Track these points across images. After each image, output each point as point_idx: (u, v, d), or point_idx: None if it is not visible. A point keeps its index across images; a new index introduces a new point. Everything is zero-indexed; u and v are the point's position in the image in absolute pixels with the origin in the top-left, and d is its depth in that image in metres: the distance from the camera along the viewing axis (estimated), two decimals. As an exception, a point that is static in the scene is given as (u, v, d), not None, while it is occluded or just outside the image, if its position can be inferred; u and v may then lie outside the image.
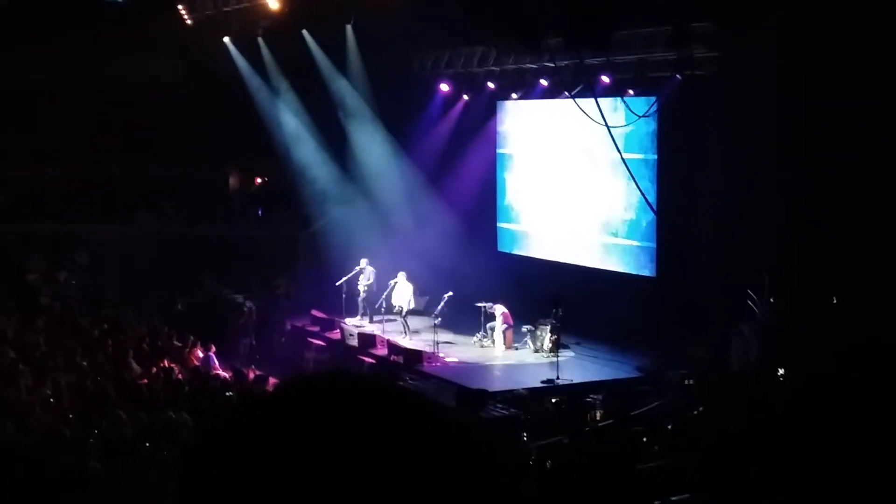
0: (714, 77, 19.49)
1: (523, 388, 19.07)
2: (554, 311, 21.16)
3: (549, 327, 21.38)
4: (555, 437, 15.14)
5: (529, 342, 21.95)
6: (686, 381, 18.31)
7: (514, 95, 25.04)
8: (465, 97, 26.25)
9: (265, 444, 1.42)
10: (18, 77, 27.00)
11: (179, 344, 20.63)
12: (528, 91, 24.54)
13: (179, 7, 26.71)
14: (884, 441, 1.97)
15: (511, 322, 22.14)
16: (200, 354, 20.29)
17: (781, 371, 15.68)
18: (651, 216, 21.52)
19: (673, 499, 9.78)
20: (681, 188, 21.04)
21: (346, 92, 26.61)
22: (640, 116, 20.56)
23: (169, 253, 27.16)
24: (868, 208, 16.75)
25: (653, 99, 20.87)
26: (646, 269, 22.19)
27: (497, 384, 20.00)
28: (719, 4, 18.81)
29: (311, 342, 23.64)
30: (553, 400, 18.34)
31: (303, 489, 1.39)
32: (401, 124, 26.30)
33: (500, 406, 18.40)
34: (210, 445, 1.47)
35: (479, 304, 22.39)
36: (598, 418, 17.24)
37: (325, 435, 1.41)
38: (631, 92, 21.17)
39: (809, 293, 17.34)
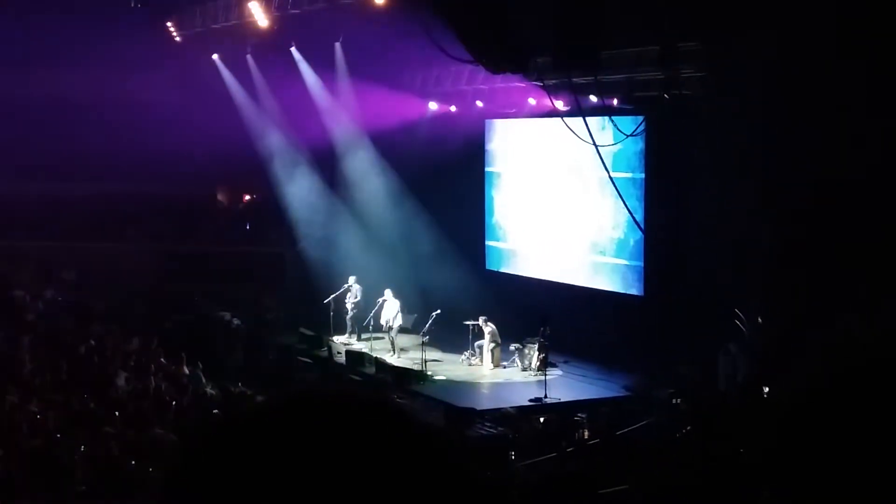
0: (701, 97, 19.56)
1: (511, 407, 19.06)
2: (542, 329, 21.16)
3: (536, 346, 21.38)
4: (543, 456, 15.13)
5: (517, 361, 21.94)
6: (674, 401, 18.32)
7: (502, 113, 25.09)
8: (454, 115, 26.28)
9: (252, 456, 1.42)
10: (4, 94, 26.95)
11: (167, 361, 20.54)
12: (517, 110, 24.60)
13: (168, 24, 26.76)
14: (878, 459, 1.98)
15: (499, 340, 22.12)
16: (188, 372, 20.20)
17: (766, 389, 15.69)
18: (639, 235, 21.57)
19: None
20: (668, 207, 21.10)
21: (334, 109, 26.60)
22: (627, 136, 20.62)
23: (157, 270, 27.07)
24: (858, 227, 16.78)
25: (640, 118, 20.96)
26: (633, 288, 22.22)
27: (485, 403, 19.99)
28: (707, 24, 18.89)
29: (299, 360, 23.57)
30: (541, 419, 18.33)
31: (288, 499, 1.39)
32: (389, 142, 26.29)
33: (487, 424, 18.38)
34: (199, 456, 1.47)
35: (469, 322, 22.37)
36: (585, 437, 17.23)
37: (312, 448, 1.42)
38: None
39: (798, 313, 17.36)
